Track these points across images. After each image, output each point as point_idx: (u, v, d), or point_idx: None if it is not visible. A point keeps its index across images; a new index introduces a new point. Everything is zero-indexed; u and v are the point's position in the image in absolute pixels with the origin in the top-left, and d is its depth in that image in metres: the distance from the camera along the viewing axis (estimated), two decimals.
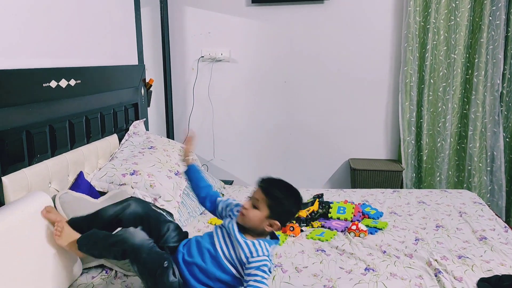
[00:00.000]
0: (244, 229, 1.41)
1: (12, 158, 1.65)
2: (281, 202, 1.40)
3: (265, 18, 3.29)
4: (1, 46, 1.64)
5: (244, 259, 1.34)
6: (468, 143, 3.19)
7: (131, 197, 1.68)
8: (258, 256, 1.33)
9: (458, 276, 1.63)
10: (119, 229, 1.46)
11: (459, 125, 3.24)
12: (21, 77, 1.68)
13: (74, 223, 1.54)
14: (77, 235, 1.49)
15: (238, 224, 1.42)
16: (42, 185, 1.77)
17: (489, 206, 2.49)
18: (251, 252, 1.35)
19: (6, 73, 1.61)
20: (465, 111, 3.21)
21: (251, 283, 1.28)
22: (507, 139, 3.16)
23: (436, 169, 3.26)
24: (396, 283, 1.61)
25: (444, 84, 3.16)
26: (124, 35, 2.67)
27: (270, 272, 1.34)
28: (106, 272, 1.69)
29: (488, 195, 3.20)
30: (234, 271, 1.37)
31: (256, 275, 1.29)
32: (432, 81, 3.18)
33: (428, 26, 3.08)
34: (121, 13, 2.60)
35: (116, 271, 1.69)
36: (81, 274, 1.67)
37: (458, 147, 3.27)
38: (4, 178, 1.59)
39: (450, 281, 1.60)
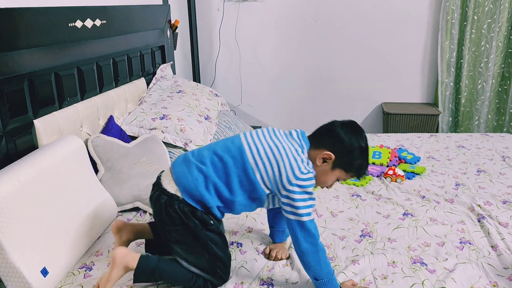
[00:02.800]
0: None
1: (43, 101, 1.62)
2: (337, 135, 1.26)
3: None
4: None
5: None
6: (511, 84, 3.00)
7: None
8: None
9: (503, 222, 1.57)
10: None
11: (503, 65, 3.04)
12: (46, 16, 1.61)
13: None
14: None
15: None
16: (73, 129, 1.75)
17: None
18: None
19: (32, 11, 1.54)
20: (510, 50, 2.99)
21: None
22: None
23: (475, 112, 3.10)
24: (437, 228, 1.55)
25: (489, 20, 2.93)
26: None
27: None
28: (140, 215, 1.70)
29: None
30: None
31: None
32: (475, 17, 2.94)
33: None
34: None
35: (150, 214, 1.70)
36: (117, 216, 1.68)
37: (500, 89, 3.09)
38: (36, 121, 1.57)
39: (495, 227, 1.54)
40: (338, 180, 1.32)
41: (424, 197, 1.80)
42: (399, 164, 2.15)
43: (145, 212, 1.72)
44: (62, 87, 1.72)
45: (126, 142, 1.91)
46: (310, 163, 1.26)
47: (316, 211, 1.71)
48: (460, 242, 1.46)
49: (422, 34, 3.11)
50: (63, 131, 1.68)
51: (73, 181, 1.48)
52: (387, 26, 3.12)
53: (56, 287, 1.28)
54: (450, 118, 3.20)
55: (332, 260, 1.39)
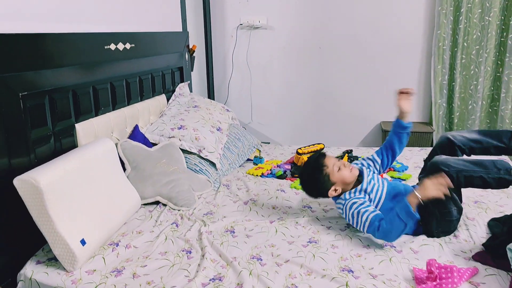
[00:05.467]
0: None
1: (83, 109, 1.96)
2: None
3: None
4: (69, 12, 1.92)
5: None
6: (500, 105, 3.25)
7: None
8: None
9: (470, 217, 1.81)
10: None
11: (492, 88, 3.29)
12: (87, 39, 1.97)
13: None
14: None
15: None
16: (106, 133, 2.08)
17: None
18: None
19: (76, 35, 1.90)
20: (498, 74, 3.25)
21: None
22: None
23: None
24: None
25: (478, 47, 3.21)
26: (170, 4, 2.91)
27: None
28: (160, 207, 2.00)
29: None
30: None
31: None
32: (465, 44, 3.23)
33: None
34: None
35: (169, 207, 1.99)
36: (140, 208, 1.98)
37: (490, 110, 3.33)
38: (77, 125, 1.91)
39: (463, 220, 1.77)
40: None
41: None
42: (388, 171, 2.41)
43: (164, 205, 2.02)
44: (98, 99, 2.07)
45: (149, 147, 2.23)
46: None
47: (310, 208, 1.98)
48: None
49: (416, 59, 3.40)
50: (98, 134, 2.01)
51: (106, 175, 1.79)
52: (385, 52, 3.43)
53: (91, 255, 1.57)
54: None
55: (316, 242, 1.66)
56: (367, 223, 1.60)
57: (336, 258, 1.55)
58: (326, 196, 1.76)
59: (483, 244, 1.55)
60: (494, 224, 1.72)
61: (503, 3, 3.10)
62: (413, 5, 3.29)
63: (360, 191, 1.72)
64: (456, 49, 3.25)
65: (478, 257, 1.47)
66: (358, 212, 1.64)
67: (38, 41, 1.68)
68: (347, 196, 1.72)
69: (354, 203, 1.67)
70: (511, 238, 1.37)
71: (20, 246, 1.60)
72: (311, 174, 1.78)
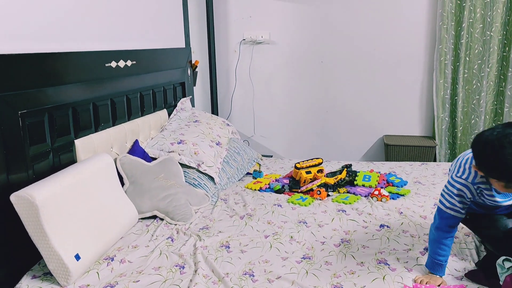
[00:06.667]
0: None
1: (82, 125, 2.01)
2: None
3: (302, 0, 3.47)
4: (70, 30, 1.98)
5: None
6: (503, 120, 3.23)
7: None
8: None
9: (466, 232, 1.80)
10: None
11: (495, 102, 3.28)
12: (88, 58, 2.02)
13: None
14: None
15: None
16: (105, 149, 2.12)
17: None
18: None
19: (78, 54, 1.95)
20: (501, 88, 3.24)
21: None
22: None
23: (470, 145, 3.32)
24: (406, 239, 1.80)
25: (480, 61, 3.20)
26: (173, 21, 2.97)
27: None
28: (157, 222, 2.02)
29: None
30: None
31: None
32: (467, 58, 3.23)
33: (464, 4, 3.12)
34: (169, 0, 2.90)
35: (166, 221, 2.01)
36: (137, 222, 2.00)
37: (493, 124, 3.31)
38: (76, 141, 1.95)
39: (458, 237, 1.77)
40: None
41: (401, 213, 2.05)
42: (386, 186, 2.40)
43: (161, 219, 2.04)
44: (98, 115, 2.11)
45: (148, 162, 2.26)
46: None
47: (306, 223, 1.99)
48: (425, 249, 1.70)
49: (419, 73, 3.40)
50: (97, 150, 2.05)
51: (103, 190, 1.83)
52: (387, 66, 3.44)
53: (85, 270, 1.59)
54: (448, 150, 3.43)
55: (310, 258, 1.66)
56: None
57: (329, 275, 1.54)
58: None
59: (476, 263, 1.53)
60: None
61: (504, 18, 3.10)
62: (415, 20, 3.31)
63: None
64: (458, 63, 3.25)
65: (470, 275, 1.46)
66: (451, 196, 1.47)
67: (39, 60, 1.73)
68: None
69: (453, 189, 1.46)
70: (502, 254, 1.36)
71: (17, 261, 1.63)
72: None
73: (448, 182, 1.49)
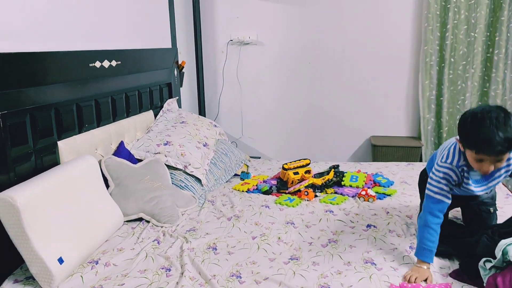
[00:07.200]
0: None
1: (66, 127, 1.97)
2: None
3: (290, 1, 3.47)
4: (53, 29, 1.94)
5: None
6: None
7: None
8: None
9: None
10: None
11: (479, 103, 3.32)
12: (71, 57, 1.99)
13: None
14: None
15: None
16: (89, 150, 2.08)
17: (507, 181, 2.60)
18: None
19: (60, 54, 1.92)
20: (485, 89, 3.28)
21: None
22: None
23: None
24: (392, 239, 1.80)
25: (464, 62, 3.24)
26: (159, 21, 2.94)
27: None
28: (143, 224, 1.99)
29: None
30: None
31: None
32: (452, 60, 3.26)
33: (448, 6, 3.16)
34: (156, 0, 2.88)
35: (152, 223, 1.99)
36: (123, 225, 1.97)
37: None
38: (59, 143, 1.91)
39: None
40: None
41: (388, 212, 2.05)
42: (373, 187, 2.41)
43: (147, 222, 2.01)
44: (82, 116, 2.08)
45: (134, 163, 2.23)
46: None
47: (293, 224, 1.98)
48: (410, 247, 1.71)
49: (404, 74, 3.43)
50: (81, 151, 2.01)
51: (87, 192, 1.79)
52: (374, 68, 3.46)
53: (69, 273, 1.56)
54: (434, 151, 3.45)
55: (297, 259, 1.65)
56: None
57: (316, 276, 1.54)
58: None
59: (460, 264, 1.54)
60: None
61: (488, 19, 3.15)
62: (401, 21, 3.33)
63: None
64: (443, 64, 3.28)
65: (455, 274, 1.47)
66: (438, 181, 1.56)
67: (20, 60, 1.69)
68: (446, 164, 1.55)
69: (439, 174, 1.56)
70: (483, 255, 1.37)
71: None
72: None
73: (435, 168, 1.59)
